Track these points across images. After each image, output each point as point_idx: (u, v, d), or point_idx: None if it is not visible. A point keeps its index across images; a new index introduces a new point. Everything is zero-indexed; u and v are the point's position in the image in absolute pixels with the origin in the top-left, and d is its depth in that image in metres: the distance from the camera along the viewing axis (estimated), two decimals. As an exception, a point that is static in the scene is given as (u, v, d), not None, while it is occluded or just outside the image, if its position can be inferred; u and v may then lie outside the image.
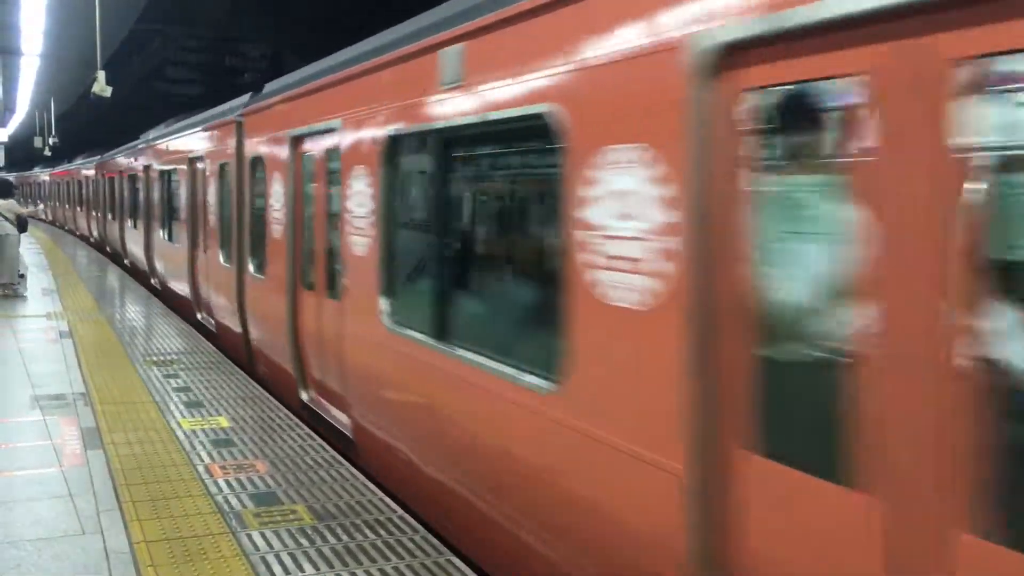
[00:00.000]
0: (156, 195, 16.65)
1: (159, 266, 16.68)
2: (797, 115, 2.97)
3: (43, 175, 47.34)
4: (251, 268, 9.73)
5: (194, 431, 7.04)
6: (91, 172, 28.48)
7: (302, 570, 4.52)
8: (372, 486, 5.82)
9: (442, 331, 5.32)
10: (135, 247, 19.50)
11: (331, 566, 4.57)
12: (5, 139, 35.74)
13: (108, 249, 25.20)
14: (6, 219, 15.29)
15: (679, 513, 3.26)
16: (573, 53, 3.96)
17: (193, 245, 13.05)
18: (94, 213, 28.39)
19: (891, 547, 2.59)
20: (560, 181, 4.04)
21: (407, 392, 5.82)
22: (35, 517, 5.24)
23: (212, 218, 11.67)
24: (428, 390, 5.49)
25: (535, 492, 4.27)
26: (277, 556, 4.68)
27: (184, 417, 7.46)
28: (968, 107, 2.36)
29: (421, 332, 5.52)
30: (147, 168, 17.59)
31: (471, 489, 4.95)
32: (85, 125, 42.94)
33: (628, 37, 3.59)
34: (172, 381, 8.83)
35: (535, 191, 4.96)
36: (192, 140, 13.21)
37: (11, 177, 33.94)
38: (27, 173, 55.46)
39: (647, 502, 3.47)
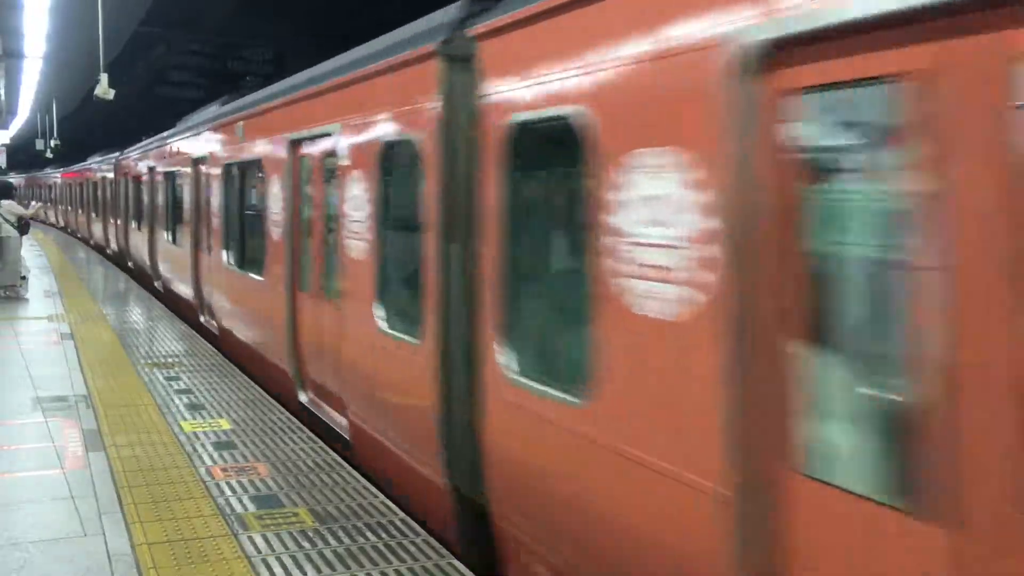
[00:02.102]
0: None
1: None
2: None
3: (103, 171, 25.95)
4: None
5: (195, 433, 7.05)
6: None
7: (303, 573, 4.52)
8: (373, 489, 5.83)
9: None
10: None
11: (332, 569, 4.58)
12: (7, 141, 35.77)
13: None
14: (7, 221, 15.31)
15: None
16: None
17: None
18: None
19: None
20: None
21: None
22: (37, 519, 5.25)
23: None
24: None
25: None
26: (279, 558, 4.69)
27: (185, 419, 7.47)
28: None
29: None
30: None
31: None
32: (87, 128, 43.02)
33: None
34: (173, 383, 8.84)
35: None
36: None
37: (59, 175, 32.84)
38: (77, 167, 33.64)
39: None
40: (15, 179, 42.63)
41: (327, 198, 7.57)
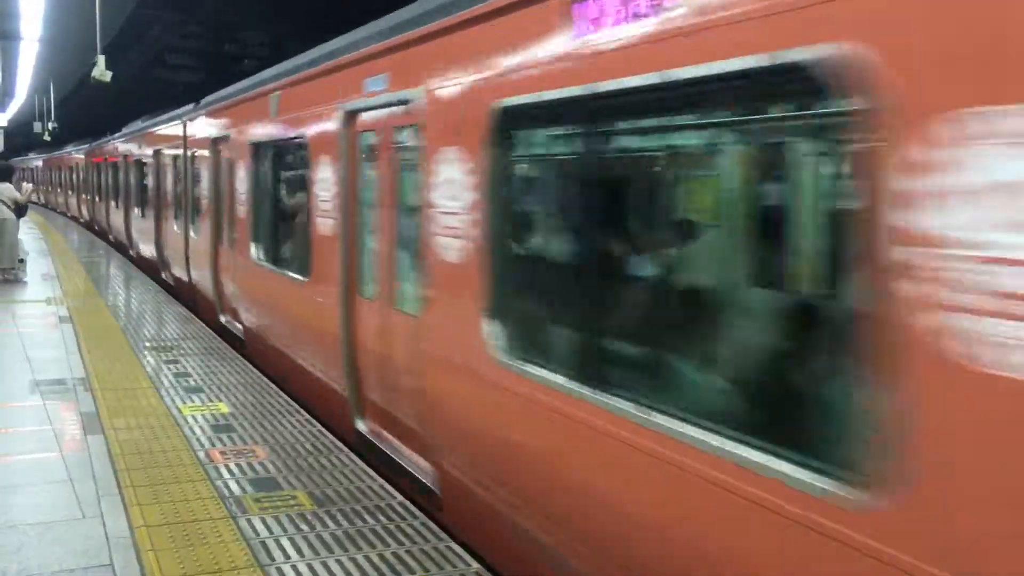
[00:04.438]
0: None
1: None
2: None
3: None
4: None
5: (194, 416, 7.04)
6: None
7: (302, 555, 4.53)
8: (372, 472, 5.83)
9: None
10: None
11: (331, 551, 4.58)
12: (5, 124, 35.62)
13: None
14: (4, 204, 15.26)
15: None
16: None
17: None
18: None
19: None
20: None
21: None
22: (35, 502, 5.25)
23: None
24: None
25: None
26: (277, 541, 4.69)
27: (184, 403, 7.47)
28: None
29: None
30: None
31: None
32: (85, 111, 42.82)
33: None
34: (172, 367, 8.83)
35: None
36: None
37: (131, 142, 31.01)
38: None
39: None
40: (73, 152, 39.54)
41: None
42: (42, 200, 45.54)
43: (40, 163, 47.97)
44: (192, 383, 8.17)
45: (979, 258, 2.29)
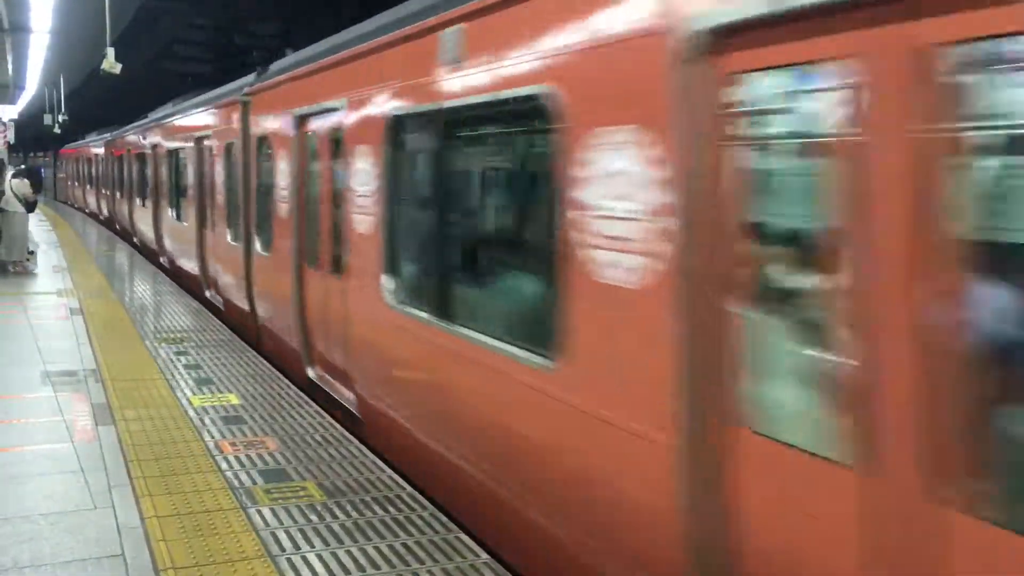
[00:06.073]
0: None
1: None
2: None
3: None
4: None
5: (204, 408, 7.07)
6: None
7: (312, 546, 4.55)
8: (381, 463, 5.85)
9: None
10: None
11: (340, 542, 4.60)
12: (15, 116, 35.77)
13: None
14: (17, 198, 15.34)
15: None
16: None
17: None
18: None
19: None
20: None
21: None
22: (47, 492, 5.28)
23: None
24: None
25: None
26: (287, 532, 4.71)
27: (194, 394, 7.50)
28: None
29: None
30: None
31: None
32: (95, 104, 42.94)
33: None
34: (182, 358, 8.87)
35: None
36: None
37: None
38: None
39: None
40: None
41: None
42: (104, 212, 28.70)
43: (101, 152, 28.46)
44: (202, 374, 8.20)
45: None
